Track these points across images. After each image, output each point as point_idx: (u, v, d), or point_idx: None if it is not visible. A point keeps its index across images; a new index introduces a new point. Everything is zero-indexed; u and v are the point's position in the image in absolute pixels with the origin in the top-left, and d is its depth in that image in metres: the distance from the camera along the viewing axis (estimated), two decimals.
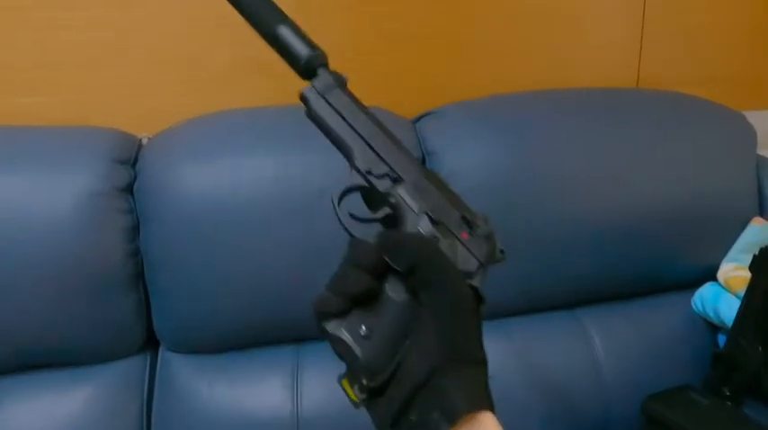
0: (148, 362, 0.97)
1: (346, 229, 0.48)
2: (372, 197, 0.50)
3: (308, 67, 0.51)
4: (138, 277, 0.94)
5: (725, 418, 0.96)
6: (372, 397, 0.42)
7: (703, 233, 1.09)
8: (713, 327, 1.09)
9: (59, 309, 0.88)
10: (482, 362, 0.44)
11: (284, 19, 0.53)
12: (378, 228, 0.49)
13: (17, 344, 0.89)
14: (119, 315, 0.92)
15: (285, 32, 0.52)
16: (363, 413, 0.44)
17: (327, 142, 0.51)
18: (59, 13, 1.01)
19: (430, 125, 1.05)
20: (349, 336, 0.43)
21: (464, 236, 0.48)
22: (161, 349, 0.98)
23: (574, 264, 1.03)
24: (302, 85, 0.52)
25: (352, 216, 0.48)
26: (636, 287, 1.10)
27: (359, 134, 0.50)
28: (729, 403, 0.99)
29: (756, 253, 0.97)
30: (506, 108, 1.07)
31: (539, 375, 1.00)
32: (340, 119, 0.50)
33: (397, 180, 0.49)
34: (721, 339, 1.08)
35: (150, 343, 0.98)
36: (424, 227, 0.47)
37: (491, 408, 0.42)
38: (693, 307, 1.10)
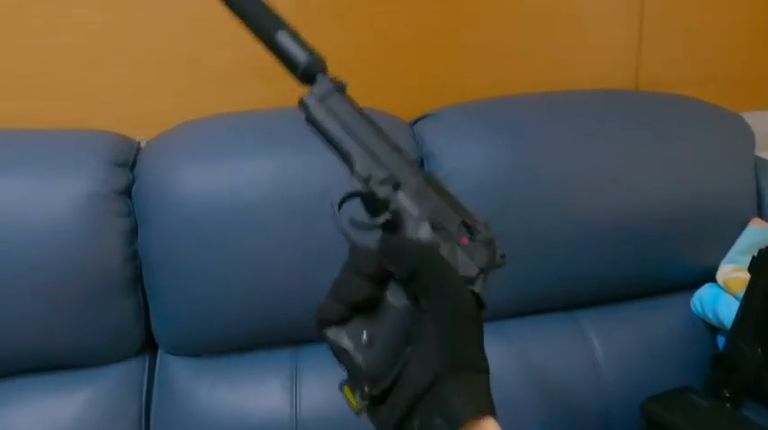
0: (147, 365, 0.97)
1: (347, 236, 0.48)
2: (373, 203, 0.49)
3: (307, 73, 0.51)
4: (137, 280, 0.93)
5: (724, 420, 0.96)
6: (374, 404, 0.42)
7: (702, 234, 1.09)
8: (712, 329, 1.09)
9: (58, 312, 0.88)
10: (484, 368, 0.44)
11: (283, 25, 0.52)
12: (378, 234, 0.49)
13: (15, 348, 0.89)
14: (117, 318, 0.92)
15: (284, 38, 0.52)
16: (363, 416, 0.44)
17: None
18: (58, 17, 1.01)
19: (428, 127, 1.05)
20: (350, 344, 0.43)
21: (465, 241, 0.48)
22: (160, 352, 0.98)
23: (573, 266, 1.03)
24: (302, 87, 0.52)
25: (352, 222, 0.48)
26: (635, 288, 1.10)
27: (358, 140, 0.50)
28: (729, 405, 0.99)
29: (755, 254, 0.97)
30: (504, 110, 1.07)
31: (538, 377, 1.00)
32: (339, 125, 0.50)
33: (397, 186, 0.49)
34: (721, 341, 1.08)
35: (149, 346, 0.98)
36: (425, 232, 0.47)
37: (493, 414, 0.41)
38: (692, 308, 1.10)
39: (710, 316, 1.06)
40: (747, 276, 0.98)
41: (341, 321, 0.43)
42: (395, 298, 0.44)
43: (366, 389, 0.42)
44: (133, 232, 0.92)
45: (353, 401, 0.43)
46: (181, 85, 1.09)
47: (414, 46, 1.17)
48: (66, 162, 0.90)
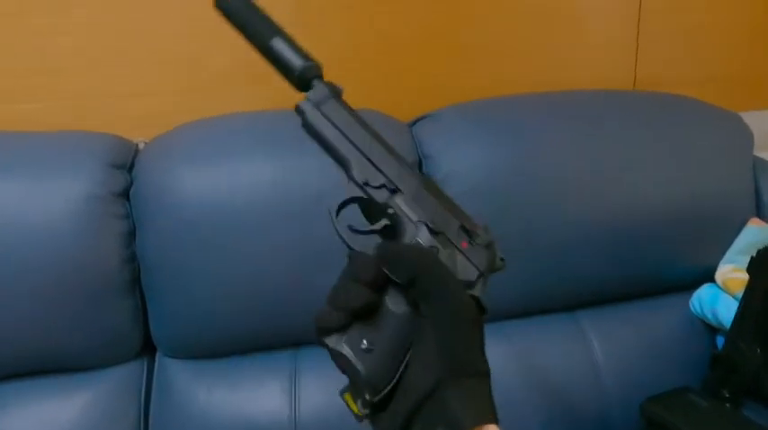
0: (146, 367, 0.97)
1: (345, 242, 0.47)
2: (371, 208, 0.49)
3: (303, 79, 0.51)
4: (135, 282, 0.93)
5: (724, 420, 0.96)
6: (375, 411, 0.42)
7: (701, 234, 1.09)
8: (712, 329, 1.09)
9: (56, 315, 0.88)
10: (485, 372, 0.43)
11: (278, 31, 0.52)
12: (377, 239, 0.48)
13: (13, 351, 0.89)
14: (115, 320, 0.92)
15: (279, 45, 0.51)
16: (365, 423, 0.43)
17: None
18: (58, 17, 1.01)
19: (426, 128, 1.04)
20: (350, 351, 0.42)
21: (464, 245, 0.48)
22: (158, 354, 0.98)
23: (572, 267, 1.03)
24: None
25: (350, 228, 0.48)
26: (634, 289, 1.10)
27: (355, 145, 0.50)
28: (728, 405, 0.99)
29: (754, 254, 0.96)
30: (503, 110, 1.07)
31: (538, 377, 1.00)
32: (336, 130, 0.50)
33: (394, 191, 0.49)
34: (720, 341, 1.08)
35: (147, 348, 0.98)
36: (423, 237, 0.47)
37: (495, 421, 0.41)
38: (692, 308, 1.10)
39: (709, 316, 1.06)
40: (746, 276, 0.98)
41: (340, 328, 0.43)
42: (394, 304, 0.44)
43: (367, 396, 0.42)
44: (131, 234, 0.92)
45: (355, 408, 0.43)
46: (181, 86, 1.09)
47: (414, 46, 1.16)
48: (63, 164, 0.89)
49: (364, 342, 0.43)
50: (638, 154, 1.04)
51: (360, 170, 0.49)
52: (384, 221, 0.48)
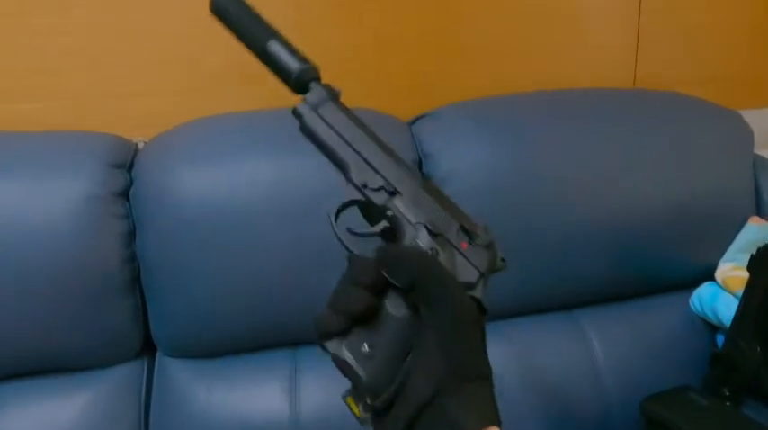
0: (146, 367, 0.97)
1: (345, 245, 0.47)
2: (370, 211, 0.49)
3: (300, 82, 0.51)
4: (135, 282, 0.93)
5: (724, 419, 0.96)
6: (377, 415, 0.42)
7: (701, 233, 1.09)
8: (712, 327, 1.09)
9: (56, 315, 0.88)
10: (486, 375, 0.43)
11: (274, 34, 0.52)
12: (377, 241, 0.48)
13: (13, 350, 0.89)
14: (115, 320, 0.92)
15: (275, 48, 0.51)
16: (367, 427, 0.43)
17: None
18: (58, 17, 1.01)
19: (426, 127, 1.04)
20: (351, 356, 0.42)
21: (464, 246, 0.47)
22: (158, 354, 0.98)
23: (572, 266, 1.03)
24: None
25: (350, 231, 0.48)
26: (634, 287, 1.10)
27: (353, 148, 0.50)
28: (728, 403, 0.99)
29: (754, 252, 0.96)
30: (503, 109, 1.07)
31: (538, 377, 1.00)
32: (334, 133, 0.50)
33: (393, 193, 0.49)
34: (720, 339, 1.07)
35: (147, 348, 0.98)
36: (423, 239, 0.47)
37: (498, 423, 0.41)
38: (692, 307, 1.09)
39: (710, 314, 1.06)
40: (746, 274, 0.98)
41: (341, 333, 0.43)
42: (394, 307, 0.43)
43: (368, 401, 0.42)
44: (131, 234, 0.92)
45: (357, 411, 0.42)
46: (181, 86, 1.09)
47: (413, 46, 1.16)
48: (63, 164, 0.89)
49: (365, 346, 0.42)
50: (638, 152, 1.04)
51: (358, 172, 0.49)
52: (383, 224, 0.48)
